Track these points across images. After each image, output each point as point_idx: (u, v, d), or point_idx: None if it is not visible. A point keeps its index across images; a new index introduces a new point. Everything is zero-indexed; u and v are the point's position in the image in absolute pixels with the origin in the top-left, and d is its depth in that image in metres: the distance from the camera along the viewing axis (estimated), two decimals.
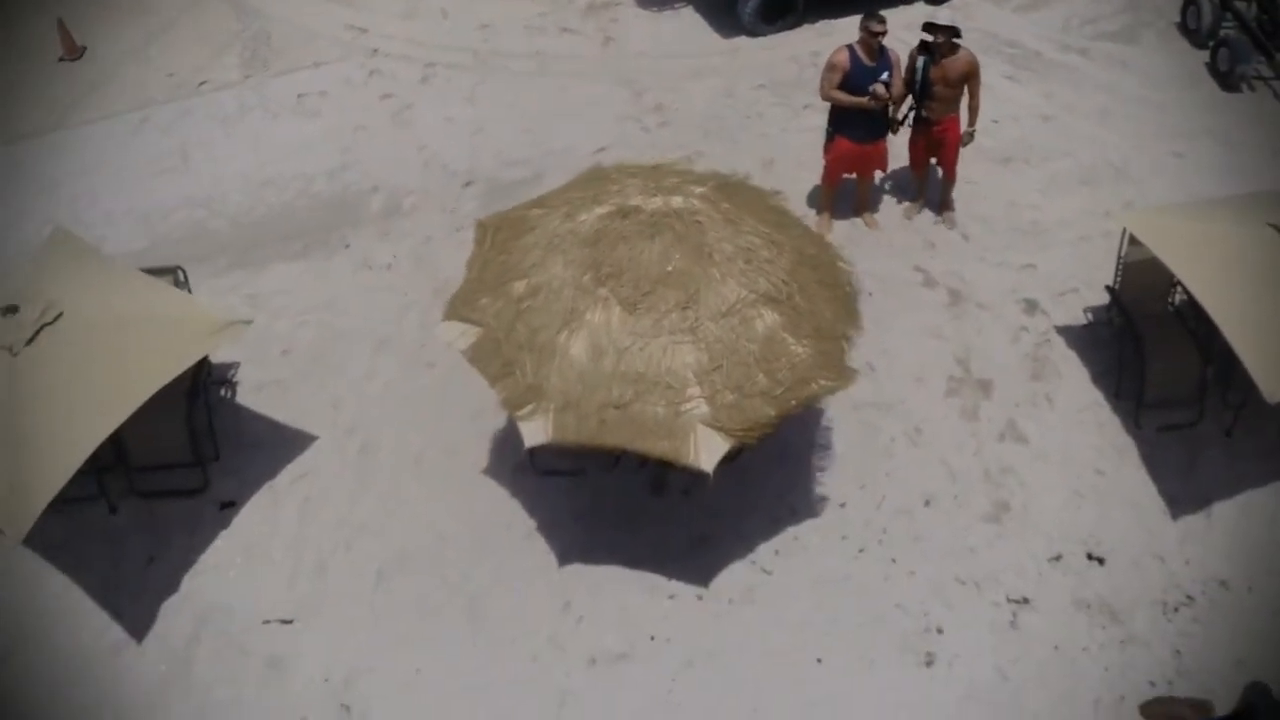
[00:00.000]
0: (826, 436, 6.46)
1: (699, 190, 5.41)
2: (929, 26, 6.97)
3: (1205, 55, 9.00)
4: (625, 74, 8.65)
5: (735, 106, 8.43)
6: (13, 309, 5.53)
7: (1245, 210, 6.30)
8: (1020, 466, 6.40)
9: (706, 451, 4.82)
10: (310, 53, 8.77)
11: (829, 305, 5.29)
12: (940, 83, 7.02)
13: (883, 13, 6.83)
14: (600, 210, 5.28)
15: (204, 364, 6.37)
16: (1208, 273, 5.99)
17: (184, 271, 6.56)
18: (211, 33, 9.11)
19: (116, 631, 5.76)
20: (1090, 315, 7.12)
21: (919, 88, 7.06)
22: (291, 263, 7.37)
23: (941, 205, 7.66)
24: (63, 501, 5.86)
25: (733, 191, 5.57)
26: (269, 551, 6.03)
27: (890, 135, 7.28)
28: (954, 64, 6.98)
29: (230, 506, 6.19)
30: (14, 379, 5.39)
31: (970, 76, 7.05)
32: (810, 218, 7.43)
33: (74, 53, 8.99)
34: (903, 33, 8.64)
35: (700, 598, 5.79)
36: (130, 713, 5.50)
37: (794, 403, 5.01)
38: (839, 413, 6.54)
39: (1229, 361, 6.39)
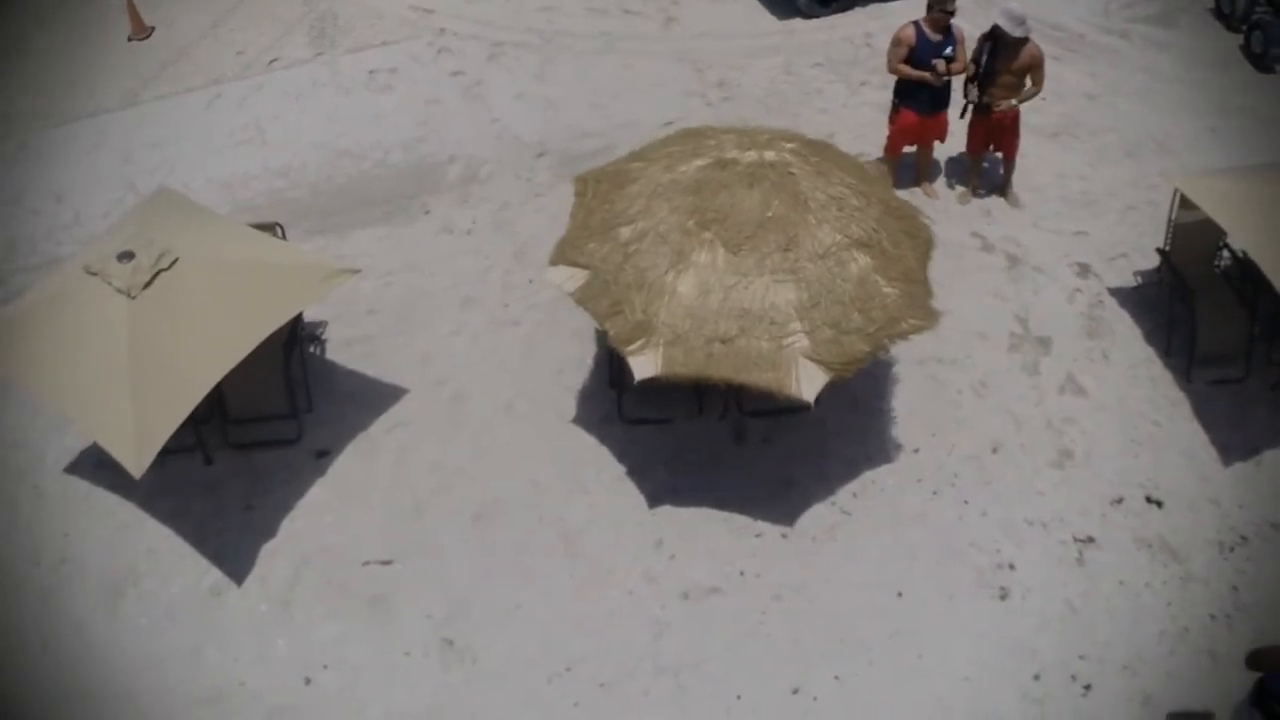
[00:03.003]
0: (896, 389, 6.75)
1: (789, 146, 5.71)
2: (996, 34, 7.11)
3: (1239, 38, 9.37)
4: (687, 53, 8.96)
5: (795, 83, 8.74)
6: (129, 255, 5.69)
7: None
8: (1080, 417, 6.69)
9: (808, 383, 5.10)
10: (377, 32, 9.05)
11: (912, 252, 5.58)
12: (1004, 71, 7.21)
13: None
14: (699, 162, 5.58)
15: (299, 318, 6.62)
16: (1256, 229, 6.28)
17: (282, 228, 6.81)
18: (278, 14, 9.38)
19: (217, 574, 5.97)
20: (1140, 278, 7.43)
21: (982, 74, 7.26)
22: (373, 228, 7.63)
23: (1003, 187, 7.90)
24: (160, 453, 6.13)
25: (819, 149, 5.87)
26: (366, 497, 6.26)
27: (959, 113, 7.54)
28: (1019, 55, 7.16)
29: (326, 455, 6.42)
30: (132, 322, 5.58)
31: (1033, 68, 7.24)
32: None
33: (143, 32, 9.24)
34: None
35: (785, 536, 6.07)
36: (235, 649, 5.71)
37: (886, 340, 5.30)
38: (907, 367, 6.84)
39: (1273, 321, 6.75)
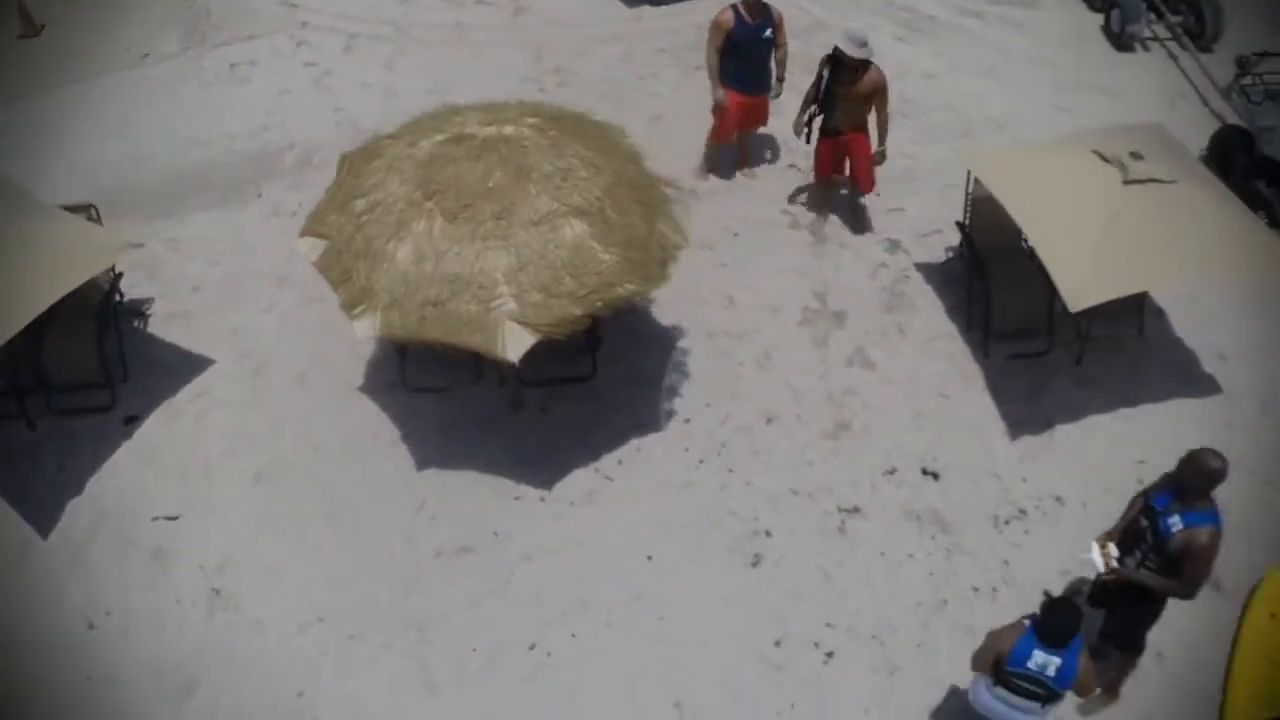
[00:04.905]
0: (679, 361, 6.88)
1: (531, 121, 5.90)
2: (837, 55, 6.96)
3: (1100, 18, 9.31)
4: (532, 41, 9.19)
5: (632, 69, 8.92)
6: None
7: (1081, 143, 6.62)
8: (864, 390, 6.76)
9: (513, 344, 5.29)
10: (246, 27, 9.42)
11: (643, 220, 5.73)
12: (845, 97, 7.07)
13: None
14: (439, 137, 5.80)
15: (112, 292, 7.01)
16: (1026, 195, 6.32)
17: (96, 209, 7.18)
18: (159, 12, 9.78)
19: (26, 529, 6.29)
20: (951, 254, 7.46)
21: (823, 97, 7.11)
22: (209, 211, 7.97)
23: (855, 216, 7.67)
24: None
25: (567, 123, 6.04)
26: (164, 459, 6.56)
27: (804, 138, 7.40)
28: (860, 80, 7.01)
29: (134, 421, 6.75)
30: None
31: (875, 94, 7.08)
32: (691, 169, 7.87)
33: (33, 31, 9.68)
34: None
35: (543, 500, 6.24)
36: (33, 597, 6.03)
37: (600, 304, 5.46)
38: (695, 339, 6.97)
39: None
